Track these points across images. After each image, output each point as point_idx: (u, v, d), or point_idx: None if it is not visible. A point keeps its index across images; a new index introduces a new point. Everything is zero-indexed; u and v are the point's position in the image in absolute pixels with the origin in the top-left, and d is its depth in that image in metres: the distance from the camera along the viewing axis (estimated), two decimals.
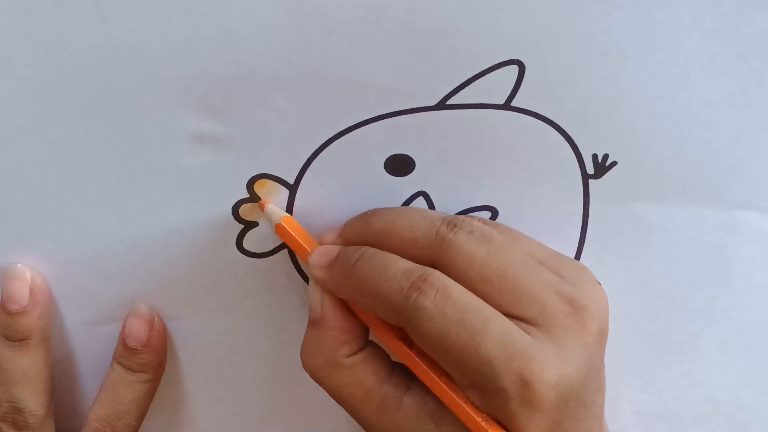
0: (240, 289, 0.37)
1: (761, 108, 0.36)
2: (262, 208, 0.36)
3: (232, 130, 0.35)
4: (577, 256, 0.38)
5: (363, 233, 0.34)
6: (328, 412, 0.40)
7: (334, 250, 0.34)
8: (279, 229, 0.35)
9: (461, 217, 0.32)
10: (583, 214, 0.37)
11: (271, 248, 0.37)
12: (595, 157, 0.36)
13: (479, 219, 0.33)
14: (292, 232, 0.35)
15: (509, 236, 0.33)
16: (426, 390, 0.32)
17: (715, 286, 0.39)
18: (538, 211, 0.37)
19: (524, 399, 0.29)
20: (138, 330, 0.37)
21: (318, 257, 0.34)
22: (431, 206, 0.37)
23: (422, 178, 0.36)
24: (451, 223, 0.32)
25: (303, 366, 0.34)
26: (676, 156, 0.36)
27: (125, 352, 0.37)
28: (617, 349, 0.38)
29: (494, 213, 0.37)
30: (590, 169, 0.36)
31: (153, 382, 0.38)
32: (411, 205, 0.37)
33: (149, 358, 0.37)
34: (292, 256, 0.37)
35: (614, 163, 0.36)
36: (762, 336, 0.40)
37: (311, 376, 0.33)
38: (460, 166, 0.36)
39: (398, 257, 0.32)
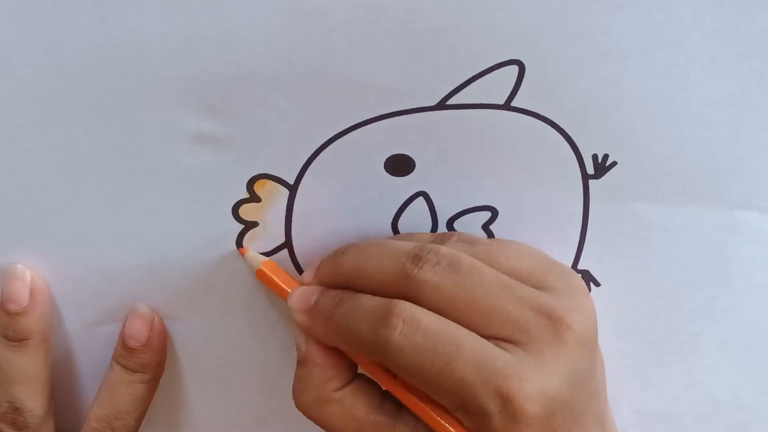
0: (240, 289, 0.37)
1: (761, 108, 0.36)
2: (242, 254, 0.36)
3: (232, 130, 0.35)
4: (577, 256, 0.38)
5: (336, 275, 0.34)
6: None
7: (312, 294, 0.34)
8: (259, 274, 0.36)
9: (428, 246, 0.32)
10: (583, 214, 0.37)
11: (271, 248, 0.37)
12: (595, 157, 0.36)
13: (453, 239, 0.33)
14: (271, 277, 0.35)
15: (485, 255, 0.33)
16: (417, 417, 0.32)
17: (715, 286, 0.39)
18: (538, 211, 0.37)
19: (508, 415, 0.29)
20: (138, 330, 0.37)
21: (297, 301, 0.34)
22: (431, 206, 0.37)
23: (422, 178, 0.36)
24: (416, 258, 0.31)
25: (295, 404, 0.34)
26: (676, 156, 0.36)
27: (125, 352, 0.37)
28: (617, 349, 0.38)
29: (494, 213, 0.37)
30: (590, 169, 0.36)
31: (152, 383, 0.38)
32: (411, 205, 0.37)
33: (149, 358, 0.37)
34: (293, 256, 0.37)
35: (614, 163, 0.36)
36: (762, 336, 0.40)
37: (304, 413, 0.34)
38: (460, 166, 0.36)
39: (368, 296, 0.32)
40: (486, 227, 0.37)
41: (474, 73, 0.34)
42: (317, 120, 0.35)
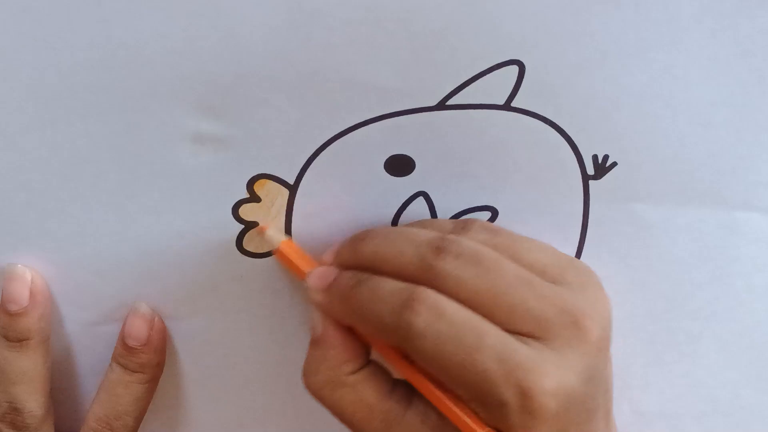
0: (240, 289, 0.37)
1: (761, 108, 0.36)
2: (262, 233, 0.36)
3: (232, 130, 0.35)
4: (577, 257, 0.38)
5: (356, 259, 0.33)
6: (328, 413, 0.40)
7: (331, 274, 0.33)
8: (278, 254, 0.36)
9: (450, 237, 0.32)
10: (583, 215, 0.37)
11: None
12: (595, 157, 0.36)
13: (475, 227, 0.33)
14: (290, 257, 0.35)
15: (507, 246, 0.32)
16: (428, 404, 0.32)
17: (716, 287, 0.39)
18: (538, 212, 0.37)
19: (525, 409, 0.29)
20: (138, 329, 0.37)
21: (315, 280, 0.34)
22: (431, 206, 0.37)
23: (422, 178, 0.36)
24: (438, 248, 0.31)
25: (305, 385, 0.33)
26: (676, 156, 0.36)
27: (124, 352, 0.37)
28: (617, 349, 0.38)
29: (494, 213, 0.37)
30: (590, 170, 0.36)
31: (151, 383, 0.38)
32: (411, 205, 0.37)
33: (148, 358, 0.37)
34: None
35: (614, 164, 0.36)
36: (762, 336, 0.40)
37: (313, 395, 0.33)
38: (460, 167, 0.36)
39: (390, 279, 0.32)
40: None
41: (474, 74, 0.34)
42: (317, 120, 0.35)
